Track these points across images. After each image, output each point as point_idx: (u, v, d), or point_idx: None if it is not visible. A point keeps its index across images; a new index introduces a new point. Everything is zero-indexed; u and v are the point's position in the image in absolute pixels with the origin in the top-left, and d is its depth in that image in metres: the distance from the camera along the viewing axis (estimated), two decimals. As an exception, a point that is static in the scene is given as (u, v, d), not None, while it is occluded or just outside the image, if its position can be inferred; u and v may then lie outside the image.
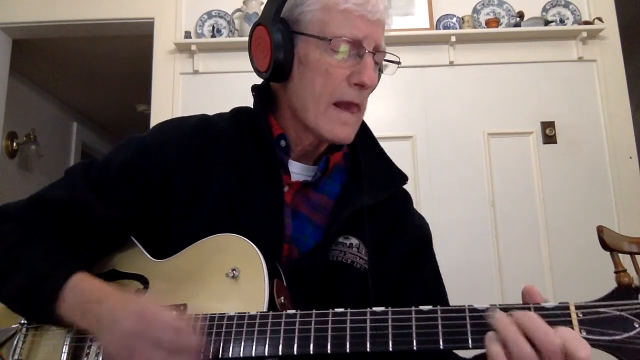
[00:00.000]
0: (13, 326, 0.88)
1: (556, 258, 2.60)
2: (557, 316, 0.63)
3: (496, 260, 2.61)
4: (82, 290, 0.79)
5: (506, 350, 0.60)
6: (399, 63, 0.93)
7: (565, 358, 0.59)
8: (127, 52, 3.75)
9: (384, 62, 0.93)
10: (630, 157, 2.71)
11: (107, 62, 3.98)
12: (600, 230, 1.78)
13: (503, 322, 0.62)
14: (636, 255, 1.79)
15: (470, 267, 2.58)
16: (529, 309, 0.64)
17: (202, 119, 0.96)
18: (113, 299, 0.76)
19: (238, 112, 0.99)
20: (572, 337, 0.60)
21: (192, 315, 0.75)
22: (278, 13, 0.89)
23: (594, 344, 0.61)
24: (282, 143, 0.92)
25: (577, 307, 0.63)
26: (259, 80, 0.98)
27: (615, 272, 1.75)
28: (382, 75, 0.96)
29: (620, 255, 1.77)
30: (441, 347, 0.64)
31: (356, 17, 0.85)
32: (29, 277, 0.82)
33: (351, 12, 0.85)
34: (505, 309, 0.65)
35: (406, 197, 1.02)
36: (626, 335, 0.61)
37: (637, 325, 0.61)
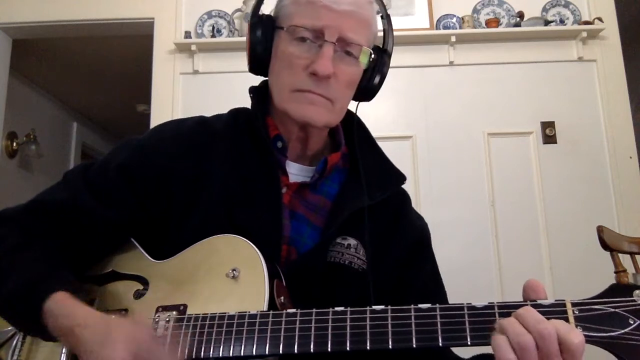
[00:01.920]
0: (11, 327, 0.88)
1: (556, 258, 2.60)
2: (553, 313, 0.64)
3: (496, 260, 2.61)
4: (57, 314, 0.77)
5: (508, 339, 0.62)
6: (361, 46, 0.89)
7: (560, 346, 0.60)
8: (127, 52, 3.75)
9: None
10: (630, 157, 2.71)
11: (107, 62, 3.98)
12: (600, 230, 1.78)
13: (504, 318, 0.65)
14: (636, 255, 1.79)
15: (470, 267, 2.58)
16: (526, 305, 0.65)
17: (200, 121, 0.97)
18: (91, 328, 0.74)
19: (236, 113, 1.00)
20: (565, 326, 0.61)
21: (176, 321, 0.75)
22: (257, 9, 0.93)
23: (590, 340, 0.62)
24: (279, 144, 0.92)
25: (573, 305, 0.64)
26: (258, 81, 0.98)
27: (616, 272, 1.75)
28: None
29: (620, 255, 1.77)
30: (440, 344, 0.65)
31: (320, 7, 0.86)
32: (12, 291, 0.80)
33: (315, 2, 0.86)
34: (503, 306, 0.66)
35: (405, 197, 1.02)
36: (621, 331, 0.62)
37: (632, 322, 0.62)
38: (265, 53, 0.91)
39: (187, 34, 2.86)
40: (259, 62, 0.92)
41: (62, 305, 0.77)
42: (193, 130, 0.94)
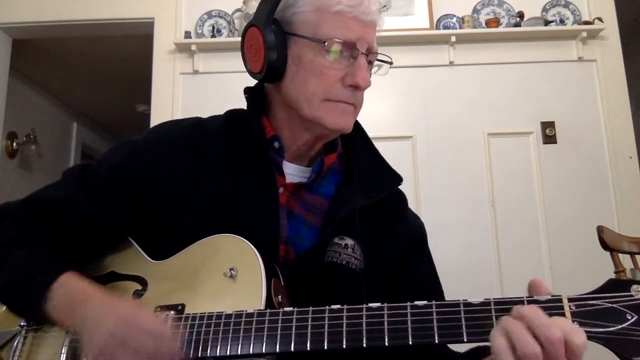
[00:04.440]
0: (13, 329, 0.88)
1: (556, 258, 2.60)
2: (550, 309, 0.63)
3: (496, 261, 2.61)
4: (69, 290, 0.80)
5: (511, 343, 0.60)
6: (391, 63, 0.94)
7: (565, 347, 0.59)
8: (127, 52, 3.75)
9: (376, 63, 0.93)
10: (630, 157, 2.71)
11: (107, 62, 3.99)
12: (600, 230, 1.78)
13: (508, 318, 0.63)
14: (636, 255, 1.79)
15: (470, 267, 2.58)
16: (522, 302, 0.65)
17: (196, 122, 0.97)
18: (98, 301, 0.77)
19: (232, 114, 0.99)
20: (568, 325, 0.60)
21: (174, 320, 0.76)
22: (271, 14, 0.89)
23: (587, 335, 0.61)
24: (276, 144, 0.92)
25: (570, 300, 0.64)
26: (254, 82, 0.98)
27: (615, 272, 1.75)
28: (381, 75, 0.96)
29: (620, 255, 1.77)
30: (436, 341, 0.65)
31: (349, 19, 0.86)
32: (16, 274, 0.83)
33: (344, 13, 0.85)
34: (499, 303, 0.65)
35: (401, 198, 1.02)
36: (618, 327, 0.61)
37: (629, 317, 0.61)
38: (282, 60, 0.88)
39: (187, 34, 2.86)
40: (275, 69, 0.88)
41: (74, 282, 0.81)
42: (188, 131, 0.94)
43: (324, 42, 0.85)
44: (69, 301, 0.79)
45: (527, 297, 0.65)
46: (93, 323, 0.74)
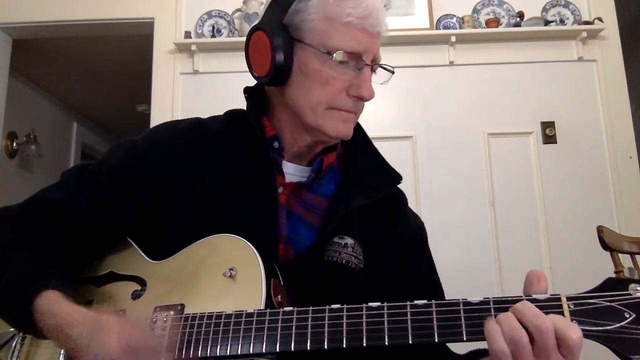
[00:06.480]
0: (11, 329, 0.88)
1: (556, 258, 2.60)
2: (548, 307, 0.64)
3: (496, 260, 2.61)
4: (45, 315, 0.77)
5: (502, 329, 0.62)
6: (392, 72, 0.94)
7: (557, 341, 0.60)
8: (127, 52, 3.75)
9: (378, 69, 0.93)
10: (630, 157, 2.70)
11: (107, 62, 3.98)
12: (600, 230, 1.78)
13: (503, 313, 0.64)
14: (636, 255, 1.79)
15: (470, 268, 2.58)
16: (521, 300, 0.65)
17: (195, 122, 0.97)
18: (75, 329, 0.75)
19: (232, 114, 1.00)
20: (563, 321, 0.61)
21: (173, 320, 0.76)
22: (280, 20, 0.89)
23: (586, 334, 0.62)
24: (275, 144, 0.93)
25: (569, 299, 0.64)
26: (254, 81, 0.97)
27: (615, 272, 1.75)
28: (383, 84, 0.97)
29: (620, 255, 1.77)
30: (436, 340, 0.65)
31: (358, 30, 0.86)
32: (5, 286, 0.81)
33: (353, 25, 0.86)
34: (499, 301, 0.66)
35: (401, 197, 1.03)
36: (617, 325, 0.62)
37: (627, 316, 0.62)
38: (288, 66, 0.88)
39: (187, 34, 2.86)
40: (280, 74, 0.88)
41: (50, 305, 0.78)
42: (188, 132, 0.94)
43: (332, 54, 0.85)
44: (48, 327, 0.77)
45: (526, 296, 0.65)
46: (81, 348, 0.73)
